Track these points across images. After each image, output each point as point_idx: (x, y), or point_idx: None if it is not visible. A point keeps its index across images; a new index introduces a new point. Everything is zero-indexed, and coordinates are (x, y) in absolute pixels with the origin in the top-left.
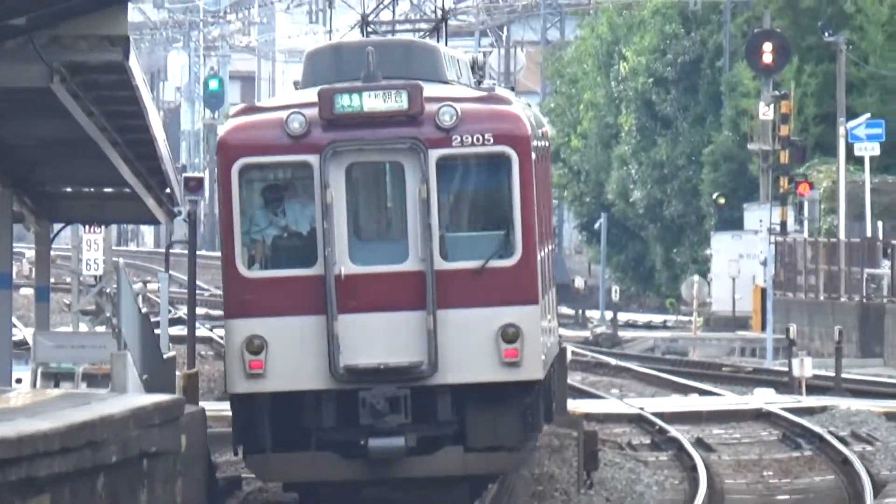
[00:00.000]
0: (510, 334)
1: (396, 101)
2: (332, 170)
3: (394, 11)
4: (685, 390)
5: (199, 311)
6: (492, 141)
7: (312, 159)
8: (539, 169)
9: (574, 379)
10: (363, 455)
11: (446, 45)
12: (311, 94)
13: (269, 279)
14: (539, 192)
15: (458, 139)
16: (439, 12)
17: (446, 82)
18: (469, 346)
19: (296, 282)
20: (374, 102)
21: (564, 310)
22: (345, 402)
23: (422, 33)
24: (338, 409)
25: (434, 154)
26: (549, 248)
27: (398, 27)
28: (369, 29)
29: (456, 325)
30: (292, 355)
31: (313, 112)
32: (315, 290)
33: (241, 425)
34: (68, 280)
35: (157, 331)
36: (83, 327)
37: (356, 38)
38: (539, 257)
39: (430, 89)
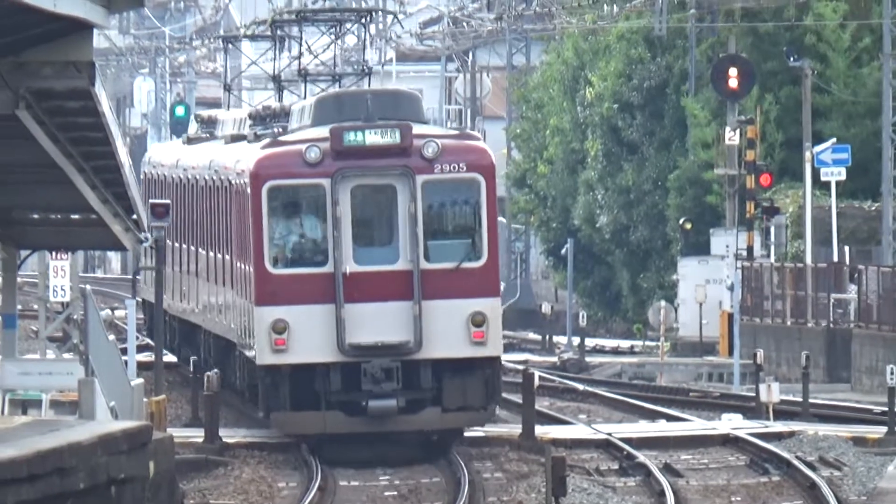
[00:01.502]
0: (478, 320)
1: (391, 137)
2: (341, 190)
3: (335, 63)
4: (653, 416)
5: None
6: (465, 169)
7: (325, 182)
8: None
9: (542, 405)
10: (364, 413)
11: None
12: (323, 131)
13: (290, 275)
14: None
15: (439, 167)
16: (366, 66)
17: (425, 122)
18: (446, 329)
19: (311, 278)
20: (373, 138)
21: (531, 335)
22: (349, 371)
23: (353, 80)
24: (343, 377)
25: (420, 179)
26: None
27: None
28: (309, 77)
29: (436, 312)
30: (308, 335)
31: (326, 145)
32: (326, 284)
33: (265, 390)
34: (35, 307)
35: (124, 357)
36: (50, 354)
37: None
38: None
39: (416, 128)
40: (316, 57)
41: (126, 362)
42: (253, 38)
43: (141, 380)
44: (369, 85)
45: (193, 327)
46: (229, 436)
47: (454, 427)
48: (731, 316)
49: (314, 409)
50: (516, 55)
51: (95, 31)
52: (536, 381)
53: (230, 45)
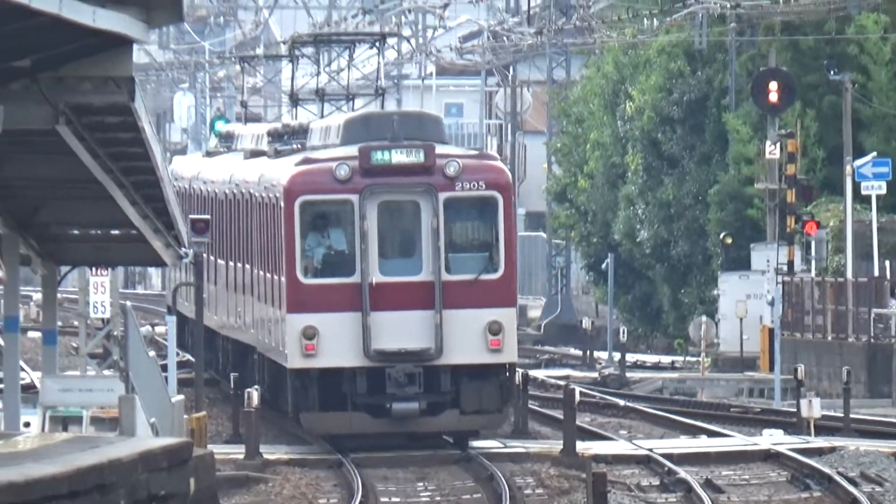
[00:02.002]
0: (495, 329)
1: (416, 157)
2: (368, 206)
3: (348, 83)
4: (694, 431)
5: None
6: (484, 187)
7: (354, 198)
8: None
9: (583, 420)
10: (388, 415)
11: (383, 107)
12: (353, 150)
13: (320, 285)
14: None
15: (460, 185)
16: (380, 87)
17: (446, 143)
18: (465, 337)
19: (339, 287)
20: (399, 157)
21: (572, 351)
22: (374, 375)
23: (368, 99)
24: (369, 381)
25: (442, 196)
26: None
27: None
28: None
29: (455, 321)
30: (337, 341)
31: (355, 163)
32: (353, 293)
33: (295, 392)
34: (76, 323)
35: (164, 374)
36: (91, 371)
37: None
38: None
39: (439, 148)
40: (332, 79)
41: (166, 378)
42: (270, 57)
43: (181, 396)
44: (383, 106)
45: (212, 333)
46: (270, 452)
47: (471, 429)
48: (771, 331)
49: (341, 410)
50: (556, 69)
51: (135, 46)
52: (577, 397)
53: (248, 63)
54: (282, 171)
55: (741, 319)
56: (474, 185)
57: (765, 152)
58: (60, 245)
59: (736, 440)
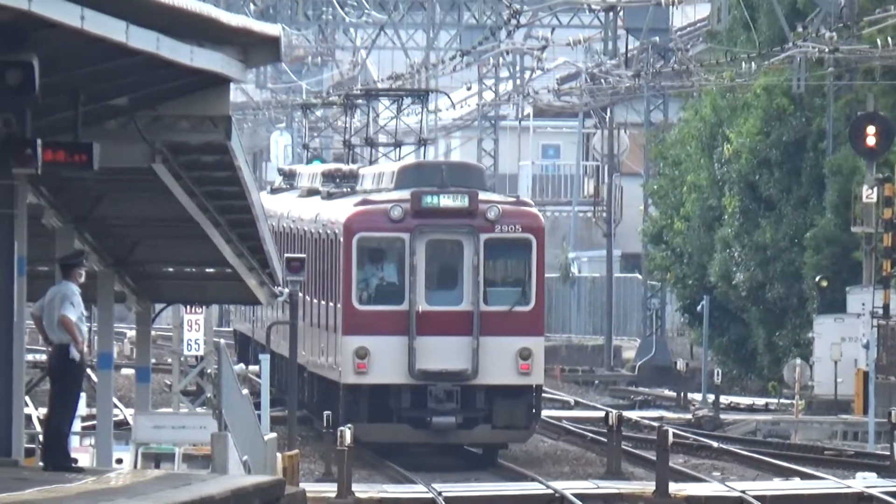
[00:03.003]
0: (525, 354)
1: (461, 202)
2: (417, 243)
3: (396, 132)
4: (787, 473)
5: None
6: (520, 230)
7: (405, 236)
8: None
9: (676, 461)
10: (428, 427)
11: (425, 156)
12: (405, 194)
13: (372, 311)
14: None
15: (499, 228)
16: (421, 137)
17: (487, 190)
18: (498, 360)
19: (389, 314)
20: (447, 201)
21: (666, 392)
22: (417, 392)
23: (415, 148)
24: (413, 397)
25: (483, 237)
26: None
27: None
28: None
29: (490, 346)
30: (385, 361)
31: (407, 206)
32: (402, 320)
33: (347, 405)
34: (169, 360)
35: (257, 411)
36: (184, 408)
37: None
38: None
39: (481, 195)
40: (382, 128)
41: (259, 416)
42: (325, 105)
43: (274, 434)
44: (425, 155)
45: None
46: (362, 491)
47: (502, 441)
48: (866, 374)
49: (387, 421)
50: (654, 112)
51: (232, 85)
52: (671, 438)
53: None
54: (343, 210)
55: (836, 362)
56: (511, 229)
57: (862, 196)
58: (155, 282)
59: (829, 483)
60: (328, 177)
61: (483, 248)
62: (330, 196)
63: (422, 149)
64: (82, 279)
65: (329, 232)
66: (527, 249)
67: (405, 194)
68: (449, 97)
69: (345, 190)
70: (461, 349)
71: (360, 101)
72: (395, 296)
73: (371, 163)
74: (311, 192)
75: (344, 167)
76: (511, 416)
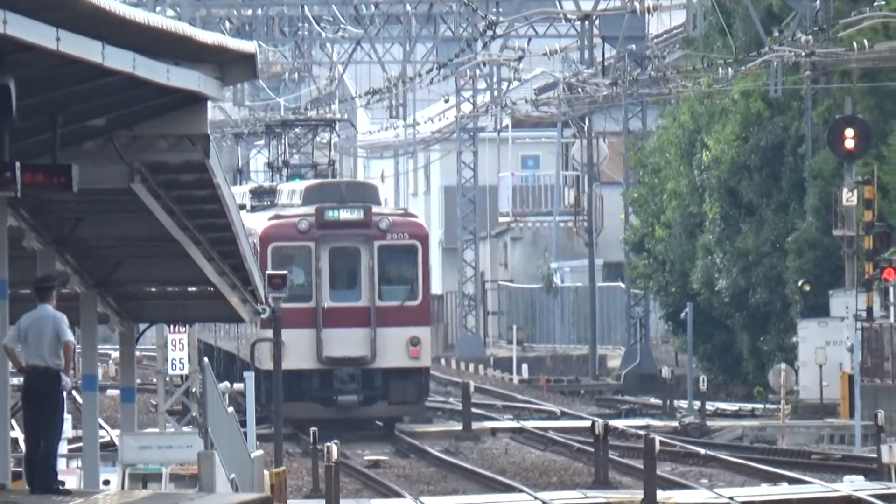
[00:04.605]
0: (415, 341)
1: (358, 214)
2: (322, 250)
3: (312, 155)
4: (774, 479)
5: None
6: (408, 237)
7: (311, 244)
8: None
9: (663, 469)
10: (335, 405)
11: (333, 177)
12: (311, 209)
13: (285, 308)
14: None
15: (390, 236)
16: (331, 160)
17: (380, 204)
18: (392, 347)
19: (300, 310)
20: (346, 215)
21: (652, 400)
22: (325, 376)
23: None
24: (321, 380)
25: (377, 244)
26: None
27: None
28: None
29: (385, 335)
30: (297, 349)
31: (312, 219)
32: (310, 315)
33: (266, 388)
34: (154, 380)
35: (243, 429)
36: (170, 428)
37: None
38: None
39: (374, 209)
40: (298, 151)
41: (245, 434)
42: (250, 135)
43: (261, 451)
44: (334, 175)
45: (209, 346)
46: None
47: (398, 415)
48: (851, 377)
49: (300, 401)
50: (632, 120)
51: (210, 104)
52: (657, 446)
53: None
54: (259, 223)
55: (821, 366)
56: (400, 236)
57: (842, 199)
58: (138, 303)
59: (817, 487)
60: (254, 193)
61: (377, 253)
62: (253, 210)
63: (329, 168)
64: (54, 301)
65: (251, 241)
66: (414, 253)
67: (311, 209)
68: (353, 125)
69: (265, 204)
70: (361, 338)
71: (277, 129)
72: (304, 295)
73: (288, 180)
74: (240, 207)
75: (266, 185)
76: (404, 393)
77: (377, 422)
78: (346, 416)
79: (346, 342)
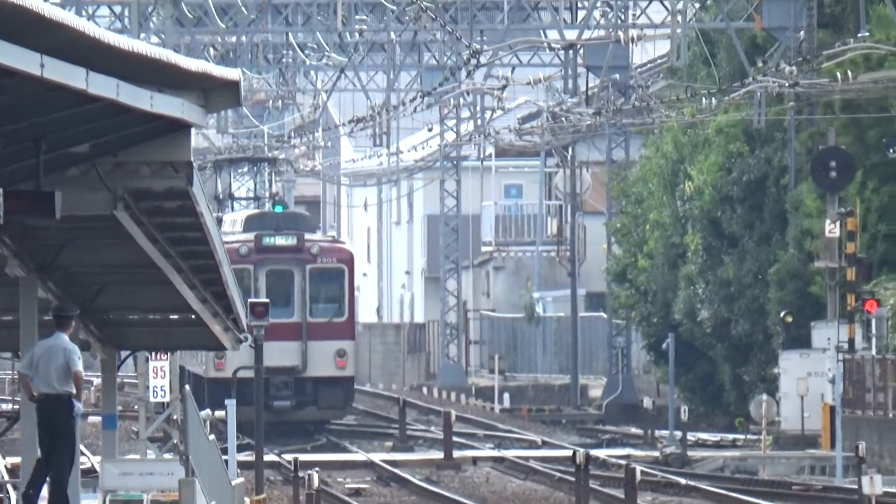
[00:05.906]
0: (342, 353)
1: (292, 241)
2: (260, 273)
3: (255, 189)
4: None
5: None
6: (336, 261)
7: (250, 267)
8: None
9: (644, 499)
10: (271, 409)
11: (273, 208)
12: (250, 236)
13: None
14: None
15: (320, 260)
16: (274, 192)
17: (314, 232)
18: (322, 358)
19: None
20: (281, 241)
21: (633, 430)
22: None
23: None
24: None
25: (308, 267)
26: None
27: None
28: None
29: (316, 348)
30: (237, 360)
31: (251, 244)
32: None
33: (210, 395)
34: (135, 407)
35: (224, 456)
36: (151, 454)
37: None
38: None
39: (307, 236)
40: (242, 185)
41: (226, 461)
42: (200, 168)
43: (241, 479)
44: (273, 206)
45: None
46: None
47: (327, 418)
48: (833, 409)
49: (240, 406)
50: (615, 149)
51: (193, 131)
52: (638, 476)
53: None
54: None
55: (802, 397)
56: (329, 260)
57: (825, 231)
58: (120, 330)
59: None
60: None
61: (308, 275)
62: None
63: (270, 200)
64: (71, 330)
65: None
66: (341, 275)
67: (250, 236)
68: (291, 164)
69: None
70: (294, 350)
71: (224, 164)
72: None
73: (232, 210)
74: None
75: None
76: (332, 399)
77: (307, 425)
78: (281, 419)
79: (280, 353)
